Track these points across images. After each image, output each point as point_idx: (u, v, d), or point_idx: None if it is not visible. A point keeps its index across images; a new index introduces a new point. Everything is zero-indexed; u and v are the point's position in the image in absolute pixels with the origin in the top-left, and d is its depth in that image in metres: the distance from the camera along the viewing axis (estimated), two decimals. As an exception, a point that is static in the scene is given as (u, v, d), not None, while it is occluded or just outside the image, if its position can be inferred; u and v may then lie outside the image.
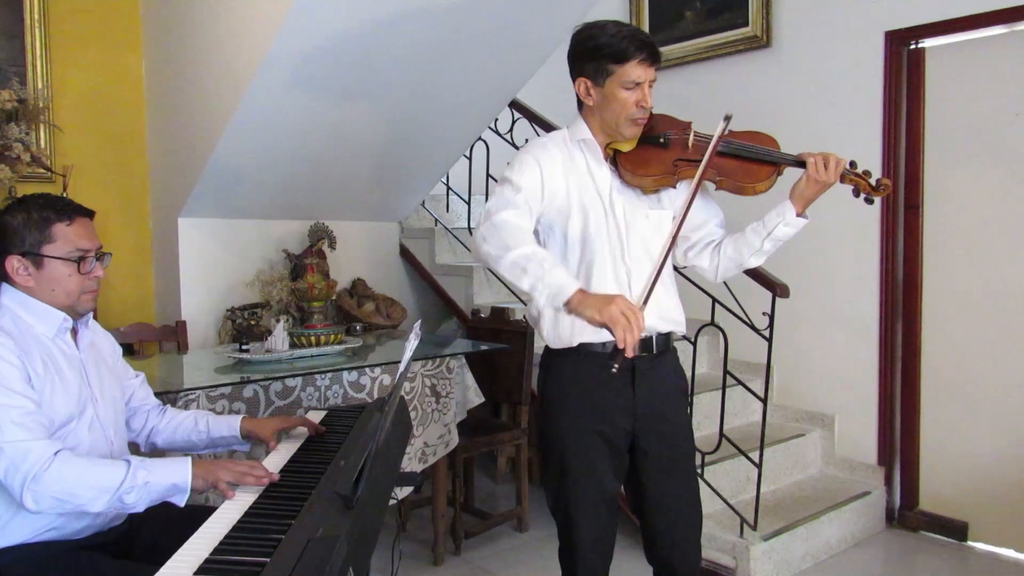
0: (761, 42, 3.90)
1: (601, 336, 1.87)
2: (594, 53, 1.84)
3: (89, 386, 1.75)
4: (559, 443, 1.98)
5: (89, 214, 1.75)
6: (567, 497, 1.98)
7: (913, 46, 3.49)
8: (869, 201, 1.93)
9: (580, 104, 1.95)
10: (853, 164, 1.91)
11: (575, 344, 1.93)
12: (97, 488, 1.52)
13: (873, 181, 1.91)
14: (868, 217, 3.49)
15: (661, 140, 1.91)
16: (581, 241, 1.91)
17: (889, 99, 3.50)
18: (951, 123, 3.40)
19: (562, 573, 2.06)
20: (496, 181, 1.96)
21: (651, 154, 1.90)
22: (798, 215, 1.90)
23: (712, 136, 1.84)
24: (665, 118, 1.96)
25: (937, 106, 3.45)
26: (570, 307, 1.68)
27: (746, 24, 3.96)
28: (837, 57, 3.64)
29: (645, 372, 1.95)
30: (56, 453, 1.52)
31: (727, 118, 1.81)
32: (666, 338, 2.00)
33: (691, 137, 1.92)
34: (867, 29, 3.55)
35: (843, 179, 1.88)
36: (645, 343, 1.94)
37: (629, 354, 1.63)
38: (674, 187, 1.95)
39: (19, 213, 1.68)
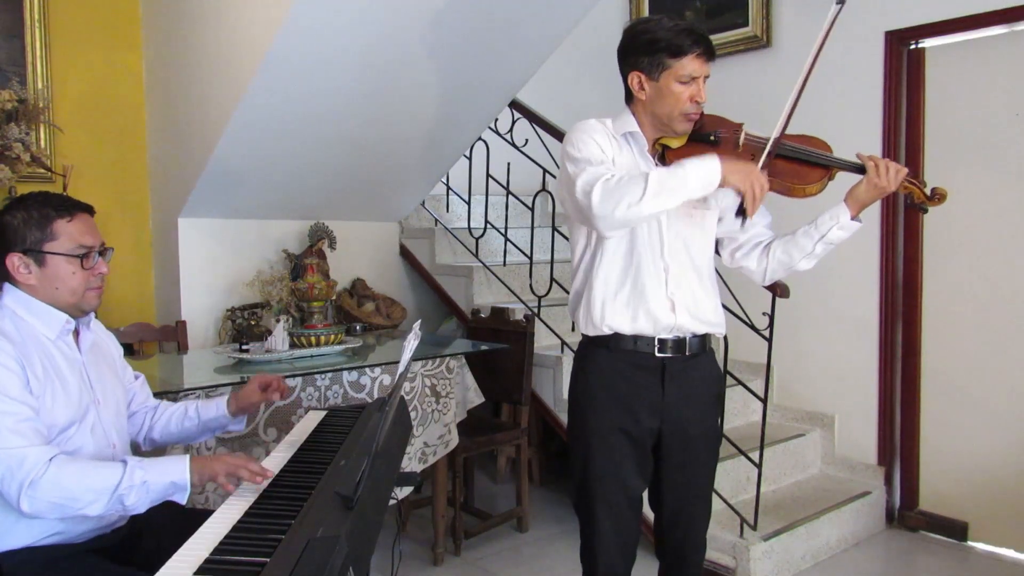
0: (761, 42, 3.90)
1: (637, 328, 1.91)
2: (650, 47, 1.84)
3: (91, 389, 1.73)
4: (584, 439, 1.98)
5: (89, 210, 1.74)
6: (590, 495, 1.98)
7: (913, 46, 3.49)
8: (923, 210, 1.92)
9: (628, 97, 1.95)
10: (908, 172, 1.90)
11: (606, 332, 1.93)
12: (95, 491, 1.51)
13: (928, 190, 1.88)
14: (868, 217, 3.47)
15: (711, 138, 1.89)
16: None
17: (889, 99, 3.50)
18: (951, 123, 3.40)
19: (583, 571, 2.06)
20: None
21: (700, 152, 1.87)
22: (852, 218, 1.90)
23: (766, 138, 1.83)
24: (716, 118, 1.95)
25: (937, 106, 3.44)
26: (721, 182, 1.73)
27: (746, 24, 3.97)
28: (837, 57, 3.63)
29: (676, 373, 1.95)
30: (51, 459, 1.50)
31: (840, 1, 1.75)
32: (702, 340, 1.99)
33: (742, 136, 1.90)
34: (867, 29, 3.55)
35: (899, 186, 1.87)
36: (678, 343, 1.94)
37: (751, 216, 1.76)
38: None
39: (18, 212, 1.66)
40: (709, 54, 1.85)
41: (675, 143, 1.91)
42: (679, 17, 2.03)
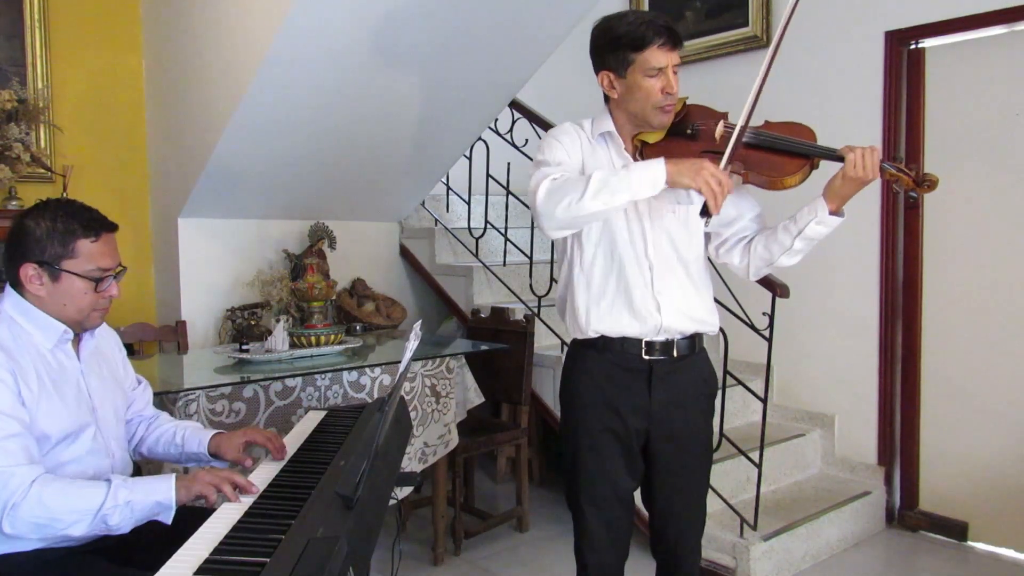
0: (761, 42, 3.90)
1: (623, 331, 1.90)
2: (613, 44, 1.81)
3: (90, 398, 1.70)
4: (573, 438, 1.99)
5: (113, 229, 1.70)
6: (579, 493, 1.99)
7: (913, 46, 3.49)
8: (912, 198, 1.82)
9: (607, 97, 1.92)
10: (896, 157, 1.81)
11: (592, 335, 1.93)
12: (78, 511, 1.48)
13: (918, 175, 1.78)
14: (868, 217, 3.49)
15: (689, 131, 1.84)
16: (601, 233, 1.90)
17: (889, 99, 3.50)
18: (951, 123, 3.40)
19: (577, 567, 2.06)
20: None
21: (678, 146, 1.81)
22: (832, 213, 1.81)
23: (745, 126, 1.75)
24: (701, 109, 1.90)
25: (937, 106, 3.44)
26: (669, 183, 1.67)
27: (746, 24, 3.96)
28: (837, 57, 3.64)
29: (663, 375, 1.93)
30: (33, 481, 1.47)
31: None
32: (691, 341, 1.96)
33: (719, 128, 1.83)
34: (867, 29, 3.55)
35: (883, 174, 1.77)
36: (665, 346, 1.92)
37: (715, 213, 1.65)
38: None
39: (43, 221, 1.61)
40: (674, 42, 1.78)
41: (653, 138, 1.87)
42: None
